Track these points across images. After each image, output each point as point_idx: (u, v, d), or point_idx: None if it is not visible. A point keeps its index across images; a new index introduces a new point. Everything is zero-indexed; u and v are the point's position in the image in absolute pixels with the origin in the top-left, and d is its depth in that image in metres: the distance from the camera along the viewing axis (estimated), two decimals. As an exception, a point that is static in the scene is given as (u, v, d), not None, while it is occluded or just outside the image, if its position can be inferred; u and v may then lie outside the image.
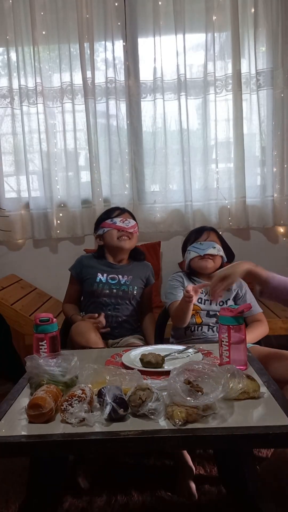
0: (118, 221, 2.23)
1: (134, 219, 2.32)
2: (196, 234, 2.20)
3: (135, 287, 2.24)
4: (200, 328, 2.12)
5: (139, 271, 2.29)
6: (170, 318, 2.19)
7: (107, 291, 2.20)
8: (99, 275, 2.22)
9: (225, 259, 2.18)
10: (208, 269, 2.13)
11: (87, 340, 1.97)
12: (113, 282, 2.22)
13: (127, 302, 2.23)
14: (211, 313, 2.12)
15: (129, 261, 2.32)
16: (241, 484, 1.58)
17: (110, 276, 2.22)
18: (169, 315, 2.18)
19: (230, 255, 2.22)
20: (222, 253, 2.15)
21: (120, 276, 2.23)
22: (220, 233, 2.40)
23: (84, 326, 2.04)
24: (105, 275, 2.22)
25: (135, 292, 2.24)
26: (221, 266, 2.16)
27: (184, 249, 2.24)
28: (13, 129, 3.26)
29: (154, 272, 2.40)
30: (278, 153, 3.20)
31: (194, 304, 1.99)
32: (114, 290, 2.21)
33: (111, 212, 2.30)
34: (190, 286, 1.92)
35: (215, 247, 2.13)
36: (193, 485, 1.82)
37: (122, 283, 2.22)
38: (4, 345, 2.66)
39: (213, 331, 2.10)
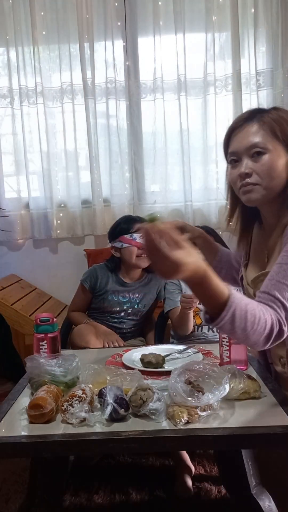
0: (138, 237, 2.14)
1: None
2: None
3: (145, 305, 2.24)
4: (200, 328, 2.12)
5: (151, 287, 2.27)
6: (172, 326, 2.19)
7: (117, 309, 2.20)
8: (111, 295, 2.20)
9: None
10: None
11: (87, 342, 1.98)
12: (124, 300, 2.21)
13: (135, 317, 2.23)
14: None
15: (142, 275, 2.27)
16: (241, 484, 1.58)
17: (121, 294, 2.21)
18: (171, 322, 2.18)
19: None
20: None
21: (131, 294, 2.22)
22: (220, 233, 2.38)
23: (85, 329, 2.04)
24: (116, 294, 2.21)
25: (143, 309, 2.24)
26: None
27: None
28: (13, 129, 3.25)
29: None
30: (278, 153, 3.20)
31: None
32: (124, 307, 2.21)
33: (130, 226, 2.20)
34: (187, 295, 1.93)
35: None
36: (189, 481, 1.82)
37: (132, 301, 2.21)
38: (4, 345, 2.66)
39: (213, 332, 2.10)
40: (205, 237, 1.54)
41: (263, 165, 1.23)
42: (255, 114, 1.27)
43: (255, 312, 1.07)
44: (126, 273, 2.24)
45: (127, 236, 2.17)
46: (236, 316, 1.04)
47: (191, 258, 0.97)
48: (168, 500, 1.79)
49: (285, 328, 1.10)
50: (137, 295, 2.22)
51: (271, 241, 1.35)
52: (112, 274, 2.24)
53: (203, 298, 1.07)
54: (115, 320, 2.20)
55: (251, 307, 1.08)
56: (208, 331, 2.11)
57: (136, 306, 2.22)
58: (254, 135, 1.24)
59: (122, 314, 2.21)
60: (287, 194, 1.25)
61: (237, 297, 1.06)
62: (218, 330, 2.02)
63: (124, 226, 2.22)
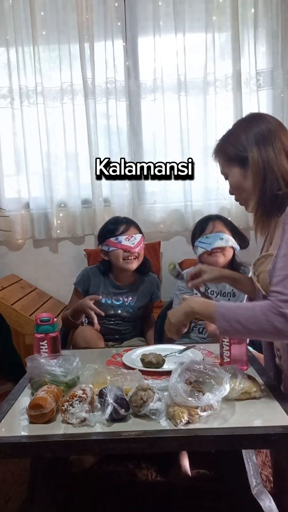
0: (123, 239, 2.11)
1: (139, 230, 2.22)
2: (201, 226, 2.09)
3: (139, 307, 2.21)
4: (200, 329, 2.11)
5: (144, 289, 2.24)
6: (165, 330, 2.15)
7: (112, 312, 2.17)
8: (105, 298, 2.17)
9: (238, 248, 2.07)
10: (219, 264, 2.02)
11: (88, 342, 1.97)
12: (118, 303, 2.18)
13: (131, 320, 2.22)
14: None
15: (134, 278, 2.24)
16: (241, 484, 1.58)
17: (114, 298, 2.18)
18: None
19: (244, 241, 2.10)
20: (231, 242, 2.04)
21: (124, 297, 2.19)
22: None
23: (88, 330, 2.03)
24: (110, 297, 2.18)
25: (138, 311, 2.22)
26: (234, 257, 2.08)
27: (193, 244, 2.15)
28: (13, 129, 3.25)
29: (156, 276, 2.36)
30: (278, 153, 3.20)
31: None
32: (119, 311, 2.18)
33: (116, 227, 2.16)
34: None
35: (222, 238, 2.02)
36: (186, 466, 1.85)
37: (126, 304, 2.19)
38: (4, 345, 2.66)
39: (203, 334, 2.10)
40: (226, 277, 1.66)
41: (230, 187, 1.46)
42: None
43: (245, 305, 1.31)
44: (118, 276, 2.21)
45: (113, 239, 2.12)
46: (229, 319, 1.27)
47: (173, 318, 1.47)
48: (168, 501, 1.80)
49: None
50: (130, 298, 2.19)
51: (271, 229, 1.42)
52: (104, 277, 2.21)
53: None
54: (112, 323, 2.19)
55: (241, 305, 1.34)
56: (203, 333, 2.10)
57: (130, 310, 2.19)
58: (219, 166, 1.48)
59: (117, 317, 2.19)
60: (265, 191, 1.34)
61: (223, 304, 1.37)
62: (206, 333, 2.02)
63: (111, 227, 2.17)
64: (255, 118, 1.42)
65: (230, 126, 1.46)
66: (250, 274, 2.08)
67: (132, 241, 2.13)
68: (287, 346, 1.34)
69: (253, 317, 1.24)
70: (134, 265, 2.16)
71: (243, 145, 1.37)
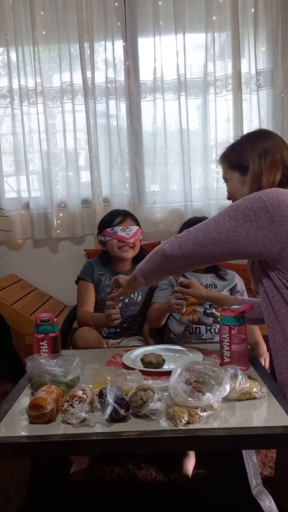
0: (119, 230, 2.18)
1: (136, 222, 2.28)
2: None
3: (140, 293, 2.24)
4: (198, 329, 2.12)
5: None
6: (147, 317, 2.19)
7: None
8: (108, 287, 2.18)
9: None
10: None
11: (88, 344, 1.97)
12: None
13: (132, 308, 2.23)
14: (208, 311, 2.12)
15: (133, 266, 2.29)
16: (241, 484, 1.58)
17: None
18: (148, 313, 2.19)
19: None
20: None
21: None
22: None
23: (88, 331, 2.03)
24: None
25: (139, 297, 2.24)
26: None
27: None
28: (13, 129, 3.25)
29: None
30: (278, 153, 3.20)
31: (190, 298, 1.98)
32: (120, 298, 2.19)
33: (113, 219, 2.24)
34: (177, 295, 1.92)
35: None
36: (189, 467, 1.86)
37: None
38: (4, 345, 2.66)
39: (211, 333, 2.10)
40: (210, 298, 1.88)
41: (228, 191, 1.61)
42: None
43: None
44: (117, 265, 2.28)
45: (109, 229, 2.21)
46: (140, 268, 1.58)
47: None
48: (168, 501, 1.79)
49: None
50: None
51: None
52: (105, 267, 2.28)
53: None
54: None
55: None
56: (207, 332, 2.10)
57: (132, 295, 2.22)
58: (222, 171, 1.63)
59: (120, 305, 2.20)
60: None
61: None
62: (215, 330, 2.03)
63: (108, 219, 2.26)
64: (262, 134, 1.55)
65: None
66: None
67: (127, 232, 2.21)
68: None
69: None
70: (129, 254, 2.23)
71: (246, 155, 1.50)
